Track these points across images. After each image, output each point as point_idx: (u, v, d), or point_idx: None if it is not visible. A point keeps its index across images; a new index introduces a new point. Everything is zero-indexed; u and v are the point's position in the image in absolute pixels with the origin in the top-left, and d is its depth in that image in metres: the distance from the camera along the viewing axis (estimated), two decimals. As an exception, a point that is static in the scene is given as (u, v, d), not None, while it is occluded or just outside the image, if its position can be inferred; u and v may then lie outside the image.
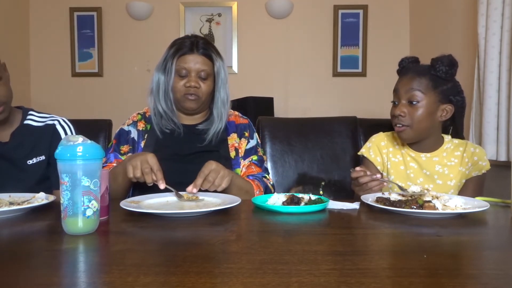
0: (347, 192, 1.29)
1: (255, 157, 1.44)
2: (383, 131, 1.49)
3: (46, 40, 3.40)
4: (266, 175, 1.44)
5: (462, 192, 1.35)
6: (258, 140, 1.52)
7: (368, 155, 1.44)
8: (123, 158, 1.36)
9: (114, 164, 1.33)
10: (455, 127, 1.39)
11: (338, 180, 1.69)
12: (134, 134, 1.42)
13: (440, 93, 1.29)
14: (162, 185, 1.08)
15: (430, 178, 1.36)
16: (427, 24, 3.05)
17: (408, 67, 1.36)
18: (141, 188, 1.23)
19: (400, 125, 1.31)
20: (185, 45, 1.37)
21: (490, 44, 1.96)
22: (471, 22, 2.32)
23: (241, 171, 1.41)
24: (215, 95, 1.42)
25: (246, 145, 1.45)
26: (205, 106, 1.44)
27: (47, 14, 3.39)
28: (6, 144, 1.31)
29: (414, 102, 1.28)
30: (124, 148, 1.39)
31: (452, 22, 2.63)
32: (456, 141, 1.39)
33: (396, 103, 1.34)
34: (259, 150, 1.48)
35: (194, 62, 1.36)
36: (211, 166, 1.12)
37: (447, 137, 1.39)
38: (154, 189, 1.12)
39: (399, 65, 1.41)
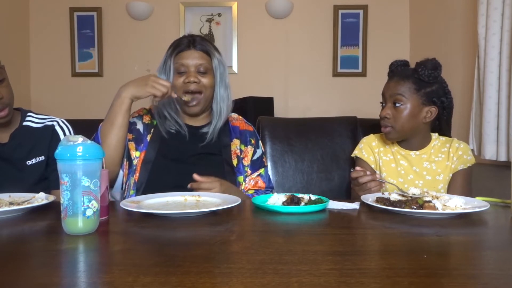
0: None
1: (262, 171, 1.46)
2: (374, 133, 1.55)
3: (46, 40, 3.40)
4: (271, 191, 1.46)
5: (450, 185, 1.39)
6: (263, 149, 1.54)
7: (361, 155, 1.49)
8: None
9: None
10: (441, 127, 1.44)
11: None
12: (139, 126, 1.41)
13: (423, 95, 1.34)
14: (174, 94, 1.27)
15: (419, 174, 1.41)
16: (427, 24, 3.05)
17: (396, 71, 1.42)
18: (143, 190, 1.23)
19: (385, 126, 1.38)
20: (182, 43, 1.39)
21: (490, 44, 1.96)
22: (471, 22, 2.32)
23: (246, 183, 1.42)
24: (215, 90, 1.42)
25: (253, 155, 1.46)
26: (208, 104, 1.43)
27: (47, 14, 3.39)
28: (5, 145, 1.31)
29: (398, 105, 1.35)
30: (128, 136, 1.37)
31: (452, 22, 2.63)
32: (443, 138, 1.45)
33: (384, 105, 1.40)
34: (264, 159, 1.50)
35: (192, 57, 1.36)
36: (217, 188, 1.16)
37: (434, 135, 1.45)
38: (154, 189, 1.12)
39: (389, 68, 1.46)
